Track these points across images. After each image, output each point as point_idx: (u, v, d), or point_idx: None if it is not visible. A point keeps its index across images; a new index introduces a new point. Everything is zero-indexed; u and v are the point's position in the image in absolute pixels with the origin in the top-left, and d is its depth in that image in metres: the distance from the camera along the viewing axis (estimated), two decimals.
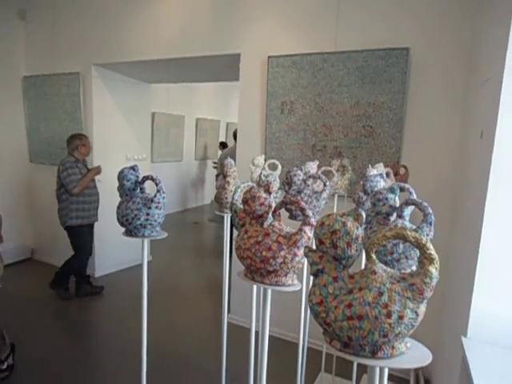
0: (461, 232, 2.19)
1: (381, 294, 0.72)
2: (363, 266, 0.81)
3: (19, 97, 4.78)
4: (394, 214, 1.24)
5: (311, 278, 0.86)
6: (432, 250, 0.72)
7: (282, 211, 1.18)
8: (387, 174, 2.16)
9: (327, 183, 1.75)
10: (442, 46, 2.62)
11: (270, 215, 1.14)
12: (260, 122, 3.31)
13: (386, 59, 2.73)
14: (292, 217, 1.77)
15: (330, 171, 2.29)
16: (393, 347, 0.76)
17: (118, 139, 4.64)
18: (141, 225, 1.45)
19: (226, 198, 1.87)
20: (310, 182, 1.80)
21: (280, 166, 2.21)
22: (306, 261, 1.35)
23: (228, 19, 3.37)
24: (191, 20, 3.57)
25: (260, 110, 3.29)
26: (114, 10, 4.02)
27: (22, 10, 4.63)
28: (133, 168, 1.49)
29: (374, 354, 0.76)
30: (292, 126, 3.15)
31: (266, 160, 2.33)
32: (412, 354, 0.78)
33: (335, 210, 2.48)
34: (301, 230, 1.04)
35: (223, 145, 8.87)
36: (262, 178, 1.69)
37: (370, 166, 2.12)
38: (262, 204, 1.11)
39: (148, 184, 1.56)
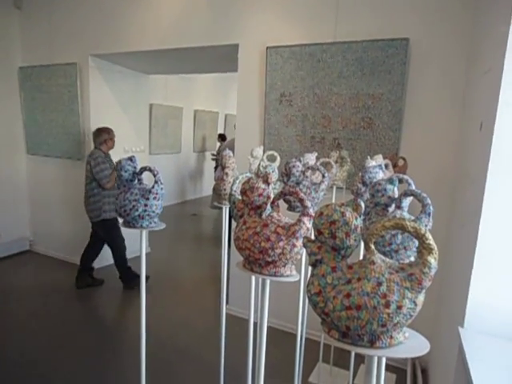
0: (459, 223, 2.19)
1: (379, 284, 0.72)
2: (362, 257, 0.81)
3: (15, 88, 4.74)
4: (393, 205, 1.24)
5: (310, 268, 0.86)
6: (431, 240, 0.72)
7: (281, 203, 1.18)
8: (386, 166, 2.16)
9: (326, 174, 1.75)
10: (441, 37, 2.60)
11: (269, 206, 1.13)
12: (259, 114, 3.29)
13: (385, 50, 2.70)
14: (291, 208, 1.77)
15: (329, 163, 2.28)
16: (391, 337, 0.76)
17: (115, 131, 4.58)
18: (139, 216, 1.45)
19: (225, 190, 1.86)
20: (308, 173, 1.79)
21: (279, 158, 2.20)
22: (304, 251, 1.36)
23: (226, 9, 3.33)
24: (189, 10, 3.53)
25: (259, 101, 3.28)
26: (112, 0, 3.97)
27: None
28: (130, 159, 1.48)
29: (372, 344, 0.76)
30: (291, 117, 3.14)
31: (264, 151, 2.33)
32: (410, 344, 0.78)
33: (334, 202, 2.48)
34: (299, 220, 1.04)
35: (222, 137, 8.84)
36: (261, 169, 1.69)
37: (368, 157, 2.11)
38: (260, 195, 1.10)
39: (146, 175, 1.55)
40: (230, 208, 1.46)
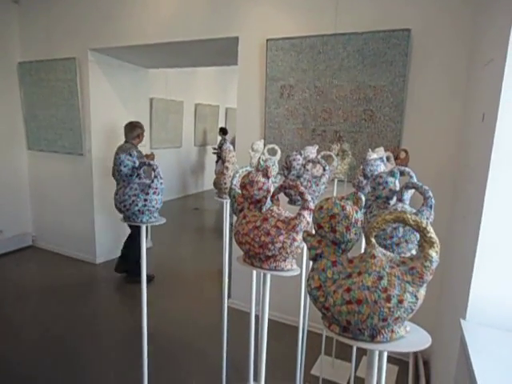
0: (461, 215, 2.18)
1: (380, 278, 0.71)
2: (363, 250, 0.80)
3: (15, 83, 4.72)
4: (394, 198, 1.23)
5: (311, 262, 0.85)
6: (432, 234, 0.71)
7: (281, 196, 1.17)
8: (387, 158, 2.15)
9: (327, 168, 1.74)
10: (443, 28, 2.57)
11: (269, 200, 1.12)
12: (259, 107, 3.27)
13: (386, 41, 2.67)
14: (291, 202, 1.77)
15: (330, 156, 2.27)
16: (392, 331, 0.75)
17: (115, 125, 4.59)
18: (139, 211, 1.44)
19: (225, 184, 1.86)
20: (309, 166, 1.78)
21: (279, 151, 2.19)
22: (305, 245, 1.35)
23: (226, 2, 3.30)
24: (189, 3, 3.50)
25: (259, 94, 3.25)
26: None
27: None
28: (130, 154, 1.47)
29: (373, 338, 0.75)
30: (291, 110, 3.12)
31: (265, 145, 2.32)
32: (411, 338, 0.78)
33: (335, 195, 2.47)
34: (300, 214, 1.03)
35: (223, 131, 8.81)
36: (261, 162, 1.68)
37: (370, 150, 2.10)
38: (260, 189, 1.09)
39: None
40: (230, 202, 1.46)
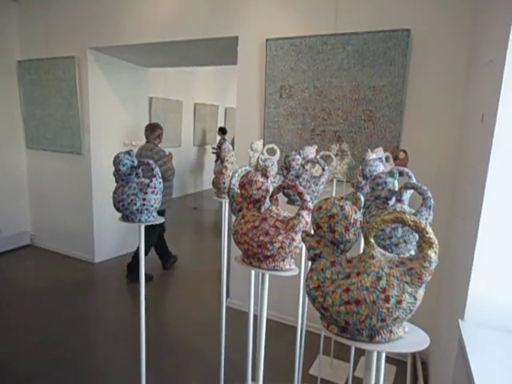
0: (460, 216, 2.18)
1: (379, 278, 0.71)
2: (362, 251, 0.80)
3: (14, 82, 4.71)
4: (393, 199, 1.23)
5: (309, 262, 0.85)
6: (431, 234, 0.71)
7: (280, 196, 1.17)
8: (387, 159, 2.15)
9: (326, 168, 1.74)
10: (443, 28, 2.57)
11: (268, 200, 1.12)
12: (258, 107, 3.27)
13: (386, 41, 2.67)
14: (290, 202, 1.76)
15: (329, 156, 2.27)
16: (390, 331, 0.75)
17: (115, 125, 4.59)
18: (137, 210, 1.44)
19: (224, 183, 1.85)
20: (308, 166, 1.78)
21: (278, 151, 2.19)
22: (304, 245, 1.35)
23: (225, 1, 3.30)
24: (188, 3, 3.49)
25: (258, 94, 3.25)
26: None
27: None
28: (128, 153, 1.47)
29: (371, 339, 0.75)
30: (291, 110, 3.12)
31: (264, 145, 2.31)
32: (410, 338, 0.77)
33: (334, 195, 2.47)
34: (298, 214, 1.03)
35: (222, 130, 8.80)
36: (260, 162, 1.67)
37: (369, 150, 2.10)
38: (259, 188, 1.09)
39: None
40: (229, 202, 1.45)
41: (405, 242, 1.14)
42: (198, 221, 7.17)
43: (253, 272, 1.60)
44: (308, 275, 0.81)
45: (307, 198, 1.03)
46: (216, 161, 8.34)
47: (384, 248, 1.13)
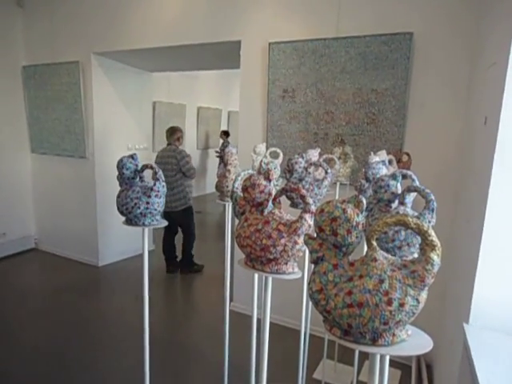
0: (464, 219, 2.17)
1: (381, 281, 0.71)
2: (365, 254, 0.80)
3: (19, 87, 4.75)
4: (396, 201, 1.23)
5: (312, 265, 0.85)
6: (434, 237, 0.71)
7: (283, 199, 1.17)
8: (390, 162, 2.14)
9: (329, 171, 1.74)
10: (445, 31, 2.57)
11: (270, 203, 1.12)
12: (261, 110, 3.28)
13: (388, 44, 2.68)
14: (293, 205, 1.77)
15: (332, 159, 2.27)
16: (393, 334, 0.75)
17: (118, 129, 4.62)
18: (141, 213, 1.45)
19: (227, 187, 1.86)
20: (311, 169, 1.78)
21: (281, 154, 2.19)
22: (306, 248, 1.35)
23: (229, 6, 3.32)
24: (192, 7, 3.52)
25: (261, 97, 3.26)
26: None
27: None
28: (132, 157, 1.47)
29: (374, 342, 0.75)
30: (294, 113, 3.12)
31: (267, 148, 2.32)
32: (413, 342, 0.77)
33: (337, 198, 2.47)
34: (301, 217, 1.03)
35: (226, 133, 8.81)
36: (263, 165, 1.68)
37: (372, 153, 2.10)
38: (261, 191, 1.09)
39: (149, 173, 1.55)
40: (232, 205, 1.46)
41: (408, 244, 1.13)
42: (201, 224, 7.17)
43: (256, 275, 1.60)
44: (311, 278, 0.81)
45: (310, 200, 1.03)
46: (219, 164, 8.34)
47: (387, 251, 1.13)
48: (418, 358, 2.81)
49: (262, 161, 1.72)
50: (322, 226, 0.80)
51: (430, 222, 1.12)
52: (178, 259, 4.54)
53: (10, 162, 4.76)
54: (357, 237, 0.79)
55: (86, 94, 4.28)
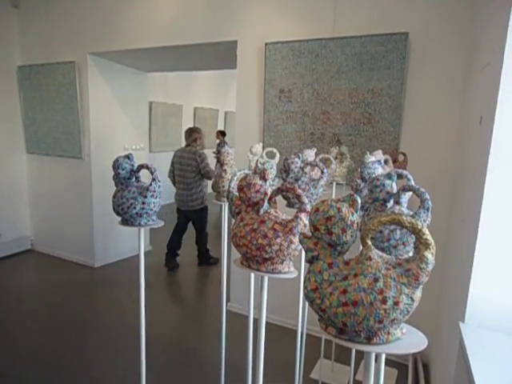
0: (459, 218, 2.18)
1: (376, 279, 0.71)
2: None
3: (14, 87, 4.73)
4: (392, 201, 1.23)
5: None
6: (428, 236, 0.71)
7: (280, 199, 1.17)
8: (386, 161, 2.15)
9: (325, 170, 1.74)
10: (441, 31, 2.58)
11: (266, 203, 1.13)
12: (258, 110, 3.28)
13: (384, 45, 2.69)
14: (290, 205, 1.77)
15: (328, 159, 2.28)
16: (388, 333, 0.75)
17: (115, 129, 4.61)
18: (137, 214, 1.44)
19: (223, 187, 1.86)
20: (307, 169, 1.79)
21: (278, 154, 2.19)
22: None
23: (225, 6, 3.32)
24: (188, 7, 3.51)
25: (258, 97, 3.26)
26: None
27: None
28: (127, 157, 1.47)
29: (369, 340, 0.75)
30: (290, 113, 3.13)
31: (264, 148, 2.32)
32: (408, 340, 0.78)
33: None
34: (297, 216, 1.03)
35: (222, 133, 8.81)
36: (259, 165, 1.68)
37: (368, 153, 2.11)
38: (257, 191, 1.10)
39: (145, 173, 1.55)
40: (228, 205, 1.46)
41: (403, 244, 1.14)
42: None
43: (252, 275, 1.60)
44: (306, 277, 0.81)
45: (305, 200, 1.04)
46: (216, 164, 8.33)
47: (382, 250, 1.13)
48: (415, 357, 2.82)
49: (257, 161, 1.72)
50: (316, 225, 0.80)
51: (425, 221, 1.13)
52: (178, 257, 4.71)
53: (6, 163, 4.73)
54: (352, 236, 0.79)
55: (81, 94, 4.26)
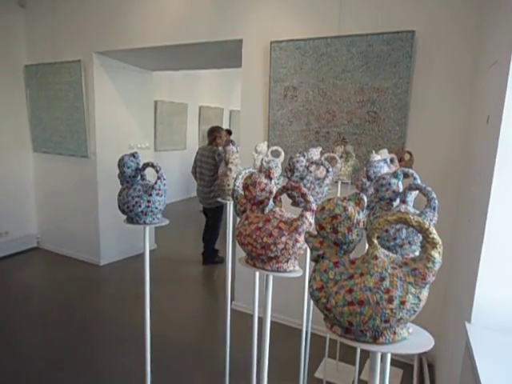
0: (466, 218, 2.17)
1: (382, 279, 0.71)
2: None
3: (21, 86, 4.76)
4: (398, 200, 1.22)
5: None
6: (435, 235, 0.71)
7: (285, 198, 1.17)
8: (391, 160, 2.14)
9: (330, 169, 1.74)
10: (448, 29, 2.56)
11: (271, 201, 1.12)
12: (263, 109, 3.28)
13: (390, 43, 2.67)
14: (295, 204, 1.76)
15: (334, 157, 2.27)
16: (394, 333, 0.75)
17: (120, 128, 4.62)
18: (142, 212, 1.45)
19: (228, 185, 1.86)
20: (312, 168, 1.78)
21: (283, 153, 2.19)
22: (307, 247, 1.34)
23: (230, 4, 3.31)
24: (193, 6, 3.52)
25: (263, 96, 3.26)
26: None
27: None
28: (133, 155, 1.48)
29: (375, 340, 0.75)
30: (295, 112, 3.12)
31: (269, 147, 2.32)
32: (414, 340, 0.77)
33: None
34: (302, 215, 1.03)
35: (229, 132, 8.80)
36: (264, 164, 1.68)
37: (373, 151, 2.10)
38: (262, 190, 1.09)
39: (150, 172, 1.55)
40: (233, 203, 1.46)
41: (409, 243, 1.13)
42: (202, 223, 7.17)
43: (257, 273, 1.60)
44: (311, 276, 0.81)
45: (311, 199, 1.03)
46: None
47: (388, 249, 1.12)
48: (420, 357, 2.81)
49: (262, 159, 1.72)
50: (322, 223, 0.80)
51: (431, 220, 1.12)
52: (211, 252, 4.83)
53: (13, 161, 4.77)
54: (357, 234, 0.78)
55: (87, 93, 4.28)
